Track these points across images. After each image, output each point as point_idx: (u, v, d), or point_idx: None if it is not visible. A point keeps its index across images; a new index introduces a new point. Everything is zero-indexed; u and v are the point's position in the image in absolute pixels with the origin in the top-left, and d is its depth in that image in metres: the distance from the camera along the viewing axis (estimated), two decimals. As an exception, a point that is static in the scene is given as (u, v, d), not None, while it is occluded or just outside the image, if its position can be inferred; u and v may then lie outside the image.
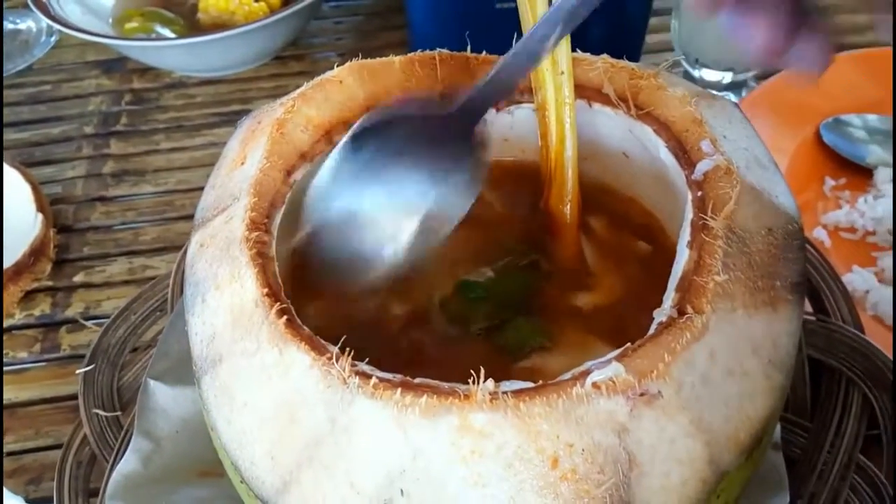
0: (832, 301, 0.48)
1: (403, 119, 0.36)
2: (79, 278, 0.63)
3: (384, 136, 0.36)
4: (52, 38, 0.86)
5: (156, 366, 0.46)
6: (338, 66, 0.40)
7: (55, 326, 0.59)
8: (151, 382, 0.45)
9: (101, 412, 0.46)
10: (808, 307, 0.49)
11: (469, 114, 0.36)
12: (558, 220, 0.41)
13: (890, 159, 0.63)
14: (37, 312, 0.60)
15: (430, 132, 0.36)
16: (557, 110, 0.39)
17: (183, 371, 0.44)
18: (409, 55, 0.41)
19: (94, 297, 0.61)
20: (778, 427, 0.43)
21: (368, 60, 0.40)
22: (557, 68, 0.38)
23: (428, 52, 0.41)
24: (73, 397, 0.48)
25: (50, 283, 0.62)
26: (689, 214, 0.32)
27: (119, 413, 0.47)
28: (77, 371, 0.48)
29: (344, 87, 0.39)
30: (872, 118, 0.66)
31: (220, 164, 0.39)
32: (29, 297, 0.61)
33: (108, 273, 0.63)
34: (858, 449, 0.42)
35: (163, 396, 0.45)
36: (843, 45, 0.77)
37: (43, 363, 0.57)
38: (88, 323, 0.59)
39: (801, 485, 0.41)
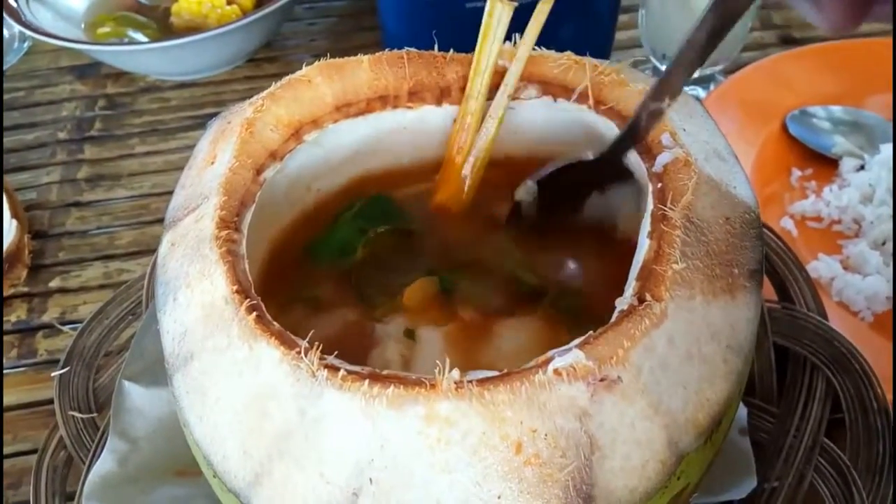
0: (797, 290, 0.50)
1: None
2: (55, 283, 0.63)
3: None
4: (25, 45, 0.86)
5: (130, 367, 0.47)
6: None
7: (32, 332, 0.59)
8: (126, 384, 0.46)
9: (77, 414, 0.46)
10: (775, 296, 0.50)
11: (617, 153, 0.37)
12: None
13: (854, 150, 0.64)
14: (13, 318, 0.60)
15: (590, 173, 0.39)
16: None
17: (157, 372, 0.45)
18: (378, 54, 0.41)
19: (70, 301, 0.61)
20: (746, 412, 0.44)
21: (337, 59, 0.40)
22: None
23: (396, 50, 0.41)
24: (51, 402, 0.48)
25: (26, 289, 0.62)
26: (650, 206, 0.33)
27: (95, 415, 0.47)
28: (52, 374, 0.48)
29: (313, 86, 0.40)
30: (837, 110, 0.67)
31: (190, 164, 0.39)
32: (5, 303, 0.61)
33: (83, 278, 0.63)
34: (823, 432, 0.44)
35: (138, 397, 0.45)
36: (806, 39, 0.78)
37: (20, 368, 0.57)
38: (65, 328, 0.59)
39: (768, 468, 0.42)
